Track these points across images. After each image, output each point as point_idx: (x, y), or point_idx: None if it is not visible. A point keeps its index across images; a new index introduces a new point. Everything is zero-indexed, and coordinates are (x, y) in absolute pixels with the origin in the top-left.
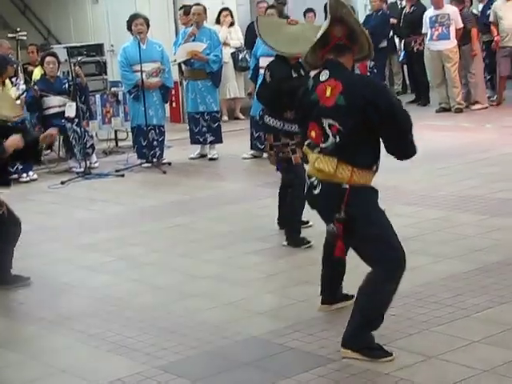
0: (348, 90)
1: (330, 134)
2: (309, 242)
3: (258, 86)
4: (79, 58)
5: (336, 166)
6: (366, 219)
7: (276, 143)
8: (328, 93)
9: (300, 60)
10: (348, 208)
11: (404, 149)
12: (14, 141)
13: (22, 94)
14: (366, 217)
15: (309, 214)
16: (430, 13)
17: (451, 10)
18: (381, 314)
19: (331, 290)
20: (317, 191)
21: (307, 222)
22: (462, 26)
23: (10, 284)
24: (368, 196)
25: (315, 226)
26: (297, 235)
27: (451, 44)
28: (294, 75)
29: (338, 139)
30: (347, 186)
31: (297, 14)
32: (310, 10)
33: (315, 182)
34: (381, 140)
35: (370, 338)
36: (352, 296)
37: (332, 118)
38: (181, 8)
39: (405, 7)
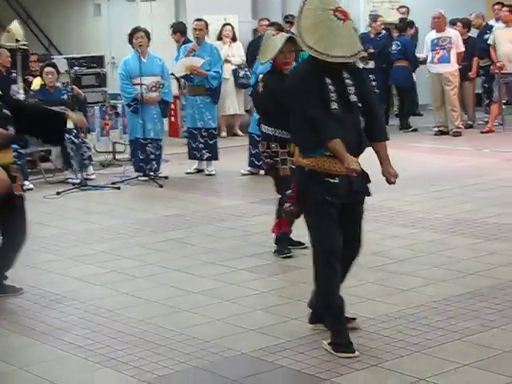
0: None
1: None
2: (289, 253)
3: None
4: (75, 69)
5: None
6: (302, 200)
7: (267, 150)
8: None
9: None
10: (296, 186)
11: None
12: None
13: None
14: (304, 199)
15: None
16: (431, 36)
17: (453, 33)
18: (324, 293)
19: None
20: None
21: (303, 244)
22: (463, 49)
23: (0, 293)
24: (310, 180)
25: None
26: (282, 242)
27: (452, 67)
28: None
29: None
30: (294, 166)
31: None
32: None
33: None
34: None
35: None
36: (352, 318)
37: None
38: (171, 27)
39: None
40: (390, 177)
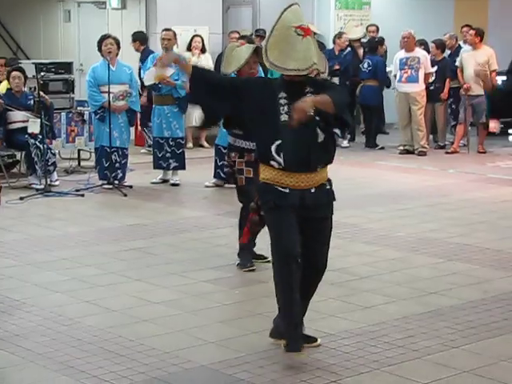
0: None
1: None
2: (252, 266)
3: None
4: (42, 74)
5: None
6: (263, 210)
7: (227, 159)
8: None
9: None
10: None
11: None
12: None
13: None
14: (262, 208)
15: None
16: (400, 55)
17: (421, 54)
18: (281, 301)
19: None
20: None
21: (266, 257)
22: (430, 70)
23: None
24: (263, 190)
25: None
26: (245, 255)
27: (419, 87)
28: None
29: None
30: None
31: None
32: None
33: None
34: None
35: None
36: (313, 339)
37: None
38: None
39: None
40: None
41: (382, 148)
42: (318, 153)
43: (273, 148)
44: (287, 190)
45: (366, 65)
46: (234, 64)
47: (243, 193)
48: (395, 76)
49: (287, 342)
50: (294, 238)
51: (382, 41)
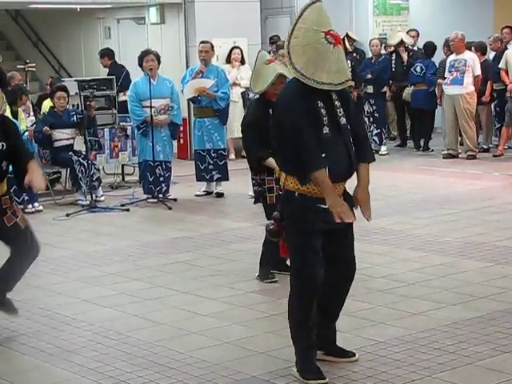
0: None
1: None
2: (273, 278)
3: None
4: (91, 91)
5: (280, 172)
6: (289, 226)
7: (255, 177)
8: None
9: None
10: (284, 212)
11: None
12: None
13: (32, 125)
14: (288, 224)
15: None
16: (450, 58)
17: (469, 56)
18: (296, 329)
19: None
20: None
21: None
22: (479, 73)
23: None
24: (296, 203)
25: None
26: (266, 267)
27: (464, 90)
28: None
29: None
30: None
31: None
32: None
33: None
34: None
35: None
36: (351, 353)
37: None
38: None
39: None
40: (357, 202)
41: (432, 151)
42: (354, 161)
43: None
44: (327, 206)
45: (418, 69)
46: (260, 84)
47: (271, 212)
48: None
49: (304, 369)
50: (320, 267)
51: (435, 46)
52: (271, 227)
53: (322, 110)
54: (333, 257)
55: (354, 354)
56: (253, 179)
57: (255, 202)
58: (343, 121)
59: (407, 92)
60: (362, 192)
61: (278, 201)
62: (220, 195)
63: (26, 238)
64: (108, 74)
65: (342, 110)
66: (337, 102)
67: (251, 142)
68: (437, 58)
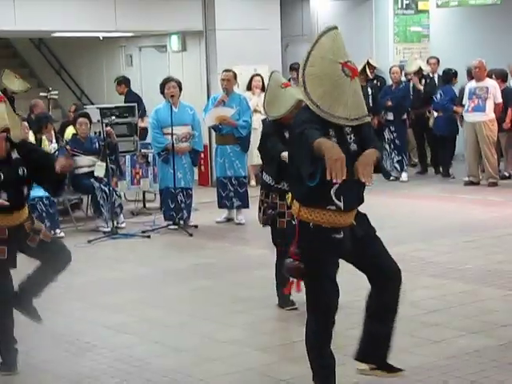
0: None
1: None
2: (293, 305)
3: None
4: (112, 118)
5: (291, 200)
6: (306, 259)
7: (266, 199)
8: None
9: None
10: (299, 242)
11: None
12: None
13: (54, 152)
14: (306, 257)
15: None
16: (470, 84)
17: (491, 83)
18: (314, 357)
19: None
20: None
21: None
22: (500, 101)
23: (24, 310)
24: (311, 233)
25: None
26: (284, 296)
27: (485, 117)
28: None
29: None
30: (296, 221)
31: None
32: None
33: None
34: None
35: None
36: (398, 369)
37: None
38: (115, 80)
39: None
40: (356, 166)
41: (454, 177)
42: (363, 188)
43: (332, 192)
44: (341, 235)
45: (438, 96)
46: (276, 109)
47: (283, 235)
48: (464, 106)
49: None
50: (335, 292)
51: (456, 72)
52: (292, 263)
53: (333, 139)
54: (371, 256)
55: (401, 370)
56: (264, 202)
57: (264, 225)
58: (353, 147)
59: (435, 118)
60: (363, 155)
61: (289, 226)
62: (240, 225)
63: (56, 246)
64: (124, 102)
65: (352, 135)
66: (347, 128)
67: (270, 146)
68: (458, 84)
